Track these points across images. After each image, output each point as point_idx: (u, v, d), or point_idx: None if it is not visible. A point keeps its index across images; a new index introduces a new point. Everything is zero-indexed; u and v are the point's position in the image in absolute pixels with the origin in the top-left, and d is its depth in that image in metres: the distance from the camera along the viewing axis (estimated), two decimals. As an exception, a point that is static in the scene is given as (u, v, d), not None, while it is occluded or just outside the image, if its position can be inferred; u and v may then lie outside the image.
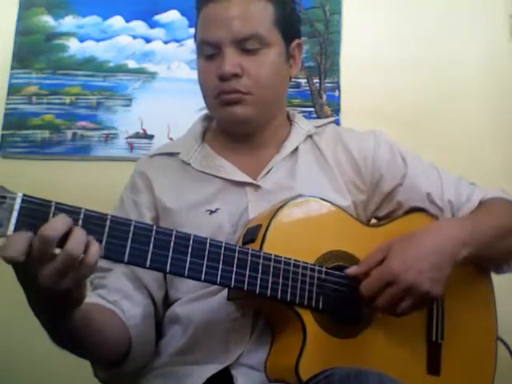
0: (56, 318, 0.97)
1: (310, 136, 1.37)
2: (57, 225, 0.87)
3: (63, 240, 0.87)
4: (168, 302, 1.29)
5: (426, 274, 1.14)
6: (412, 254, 1.15)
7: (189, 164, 1.33)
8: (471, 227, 1.24)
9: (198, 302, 1.23)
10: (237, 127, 1.33)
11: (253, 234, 1.15)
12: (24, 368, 1.91)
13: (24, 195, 0.89)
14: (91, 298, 1.16)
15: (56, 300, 0.92)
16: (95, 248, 0.90)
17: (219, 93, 1.27)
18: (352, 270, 1.17)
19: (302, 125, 1.39)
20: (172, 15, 2.16)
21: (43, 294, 0.91)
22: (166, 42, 2.16)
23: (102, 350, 1.14)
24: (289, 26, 1.32)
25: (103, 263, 1.19)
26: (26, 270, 0.88)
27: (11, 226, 0.88)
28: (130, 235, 0.97)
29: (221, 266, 1.06)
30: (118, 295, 1.21)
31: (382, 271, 1.14)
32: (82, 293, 0.95)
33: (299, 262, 1.13)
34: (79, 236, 0.89)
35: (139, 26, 2.16)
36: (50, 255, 0.87)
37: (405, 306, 1.14)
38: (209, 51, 1.27)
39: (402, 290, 1.13)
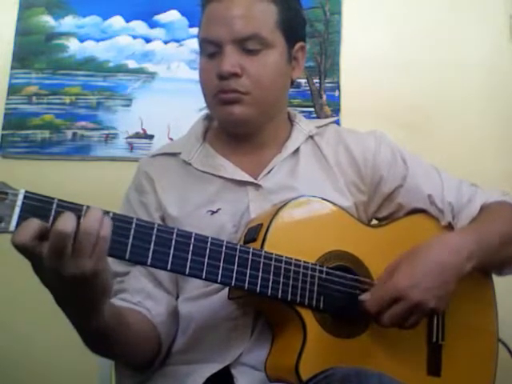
0: (87, 312, 0.96)
1: (311, 137, 1.37)
2: (68, 219, 0.88)
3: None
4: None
5: (433, 291, 1.14)
6: (419, 271, 1.15)
7: (190, 164, 1.33)
8: (476, 239, 1.23)
9: (198, 300, 1.23)
10: (235, 127, 1.32)
11: (254, 233, 1.14)
12: (24, 364, 1.90)
13: (26, 191, 0.90)
14: (114, 303, 1.13)
15: (85, 287, 0.91)
16: (107, 220, 0.91)
17: (218, 92, 1.26)
18: (365, 297, 1.16)
19: (303, 125, 1.38)
20: (172, 15, 2.16)
21: (72, 285, 0.90)
22: (165, 42, 2.16)
23: (137, 349, 1.14)
24: (292, 29, 1.30)
25: (119, 267, 1.21)
26: (49, 264, 0.88)
27: (13, 222, 0.88)
28: (132, 233, 0.98)
29: (222, 264, 1.06)
30: (140, 296, 1.21)
31: (389, 288, 1.14)
32: (108, 276, 0.94)
33: (300, 261, 1.13)
34: (95, 212, 0.90)
35: (139, 25, 2.17)
36: (68, 247, 0.87)
37: (410, 322, 1.15)
38: (210, 50, 1.27)
39: (408, 307, 1.13)
